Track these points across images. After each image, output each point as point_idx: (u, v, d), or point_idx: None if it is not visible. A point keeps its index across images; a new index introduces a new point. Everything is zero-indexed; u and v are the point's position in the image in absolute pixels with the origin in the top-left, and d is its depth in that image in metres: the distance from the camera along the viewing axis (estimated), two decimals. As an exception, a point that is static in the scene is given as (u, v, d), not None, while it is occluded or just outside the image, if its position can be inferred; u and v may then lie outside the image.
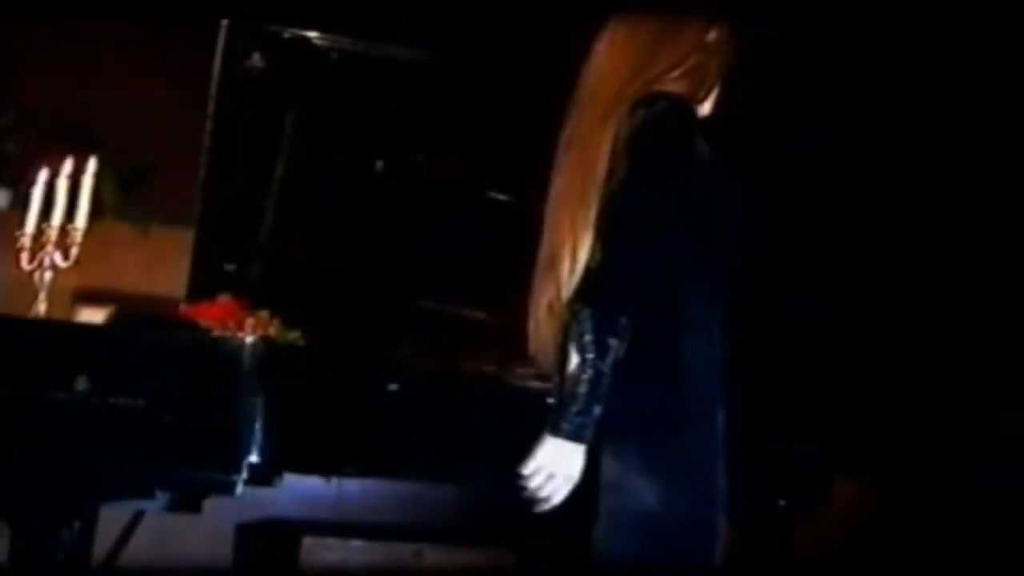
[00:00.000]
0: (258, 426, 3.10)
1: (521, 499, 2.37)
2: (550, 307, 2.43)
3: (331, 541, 4.84)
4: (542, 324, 2.45)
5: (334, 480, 4.76)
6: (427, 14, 4.67)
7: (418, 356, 3.96)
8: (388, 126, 3.93)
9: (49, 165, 3.27)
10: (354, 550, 4.86)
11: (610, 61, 2.48)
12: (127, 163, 5.29)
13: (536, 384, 3.96)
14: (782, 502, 4.01)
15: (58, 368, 2.91)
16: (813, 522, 4.74)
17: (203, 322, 3.18)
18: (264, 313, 3.24)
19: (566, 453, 2.32)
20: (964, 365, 4.70)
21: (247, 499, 3.27)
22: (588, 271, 2.33)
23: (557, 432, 2.32)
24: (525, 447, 3.49)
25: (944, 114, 4.75)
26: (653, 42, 2.47)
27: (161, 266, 5.10)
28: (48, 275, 3.23)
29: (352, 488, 4.94)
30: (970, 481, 4.69)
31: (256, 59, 3.69)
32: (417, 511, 5.13)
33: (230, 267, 3.52)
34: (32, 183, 3.26)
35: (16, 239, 3.23)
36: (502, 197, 4.12)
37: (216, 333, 3.16)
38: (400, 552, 4.91)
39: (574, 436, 2.31)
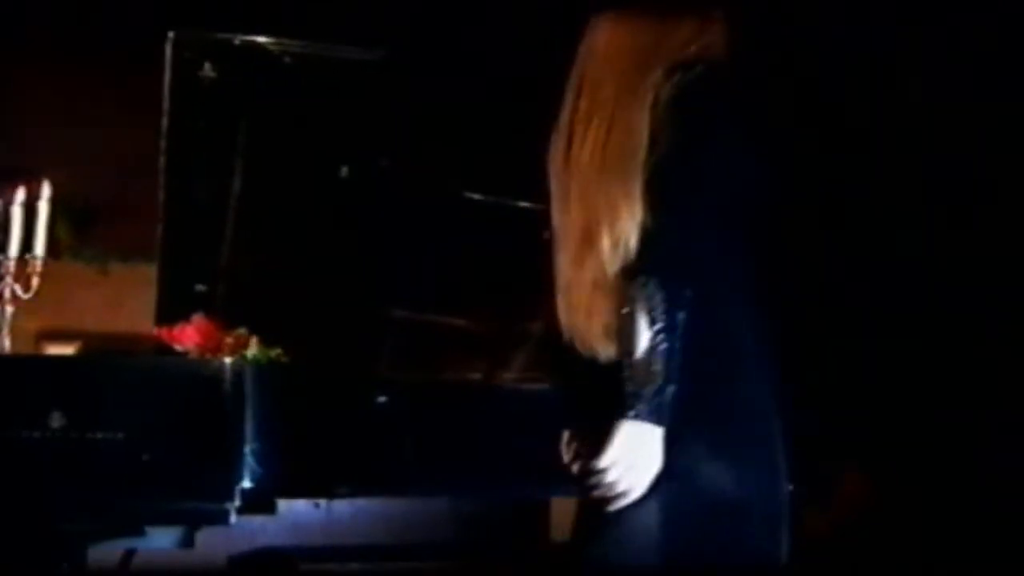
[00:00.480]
0: (248, 450, 2.94)
1: (595, 499, 2.17)
2: (596, 284, 2.23)
3: (330, 566, 4.67)
4: (585, 304, 2.27)
5: (323, 503, 4.62)
6: (377, 11, 4.51)
7: (397, 367, 3.81)
8: (349, 130, 3.77)
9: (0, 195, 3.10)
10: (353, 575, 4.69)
11: (621, 37, 2.35)
12: (79, 203, 5.16)
13: (531, 386, 3.86)
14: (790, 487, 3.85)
15: (29, 405, 2.75)
16: (823, 508, 4.66)
17: (179, 345, 3.00)
18: (242, 331, 3.07)
19: (646, 438, 2.14)
20: (972, 351, 4.62)
21: (235, 530, 3.09)
22: (644, 242, 2.17)
23: (636, 415, 2.13)
24: (527, 450, 3.39)
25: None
26: (664, 15, 2.35)
27: (123, 303, 5.04)
28: (9, 309, 3.05)
29: (342, 509, 4.77)
30: (976, 468, 4.61)
31: (207, 69, 3.53)
32: (409, 529, 4.99)
33: (201, 287, 3.33)
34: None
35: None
36: (476, 196, 3.96)
37: (194, 356, 2.98)
38: (400, 572, 4.75)
39: (654, 418, 2.13)
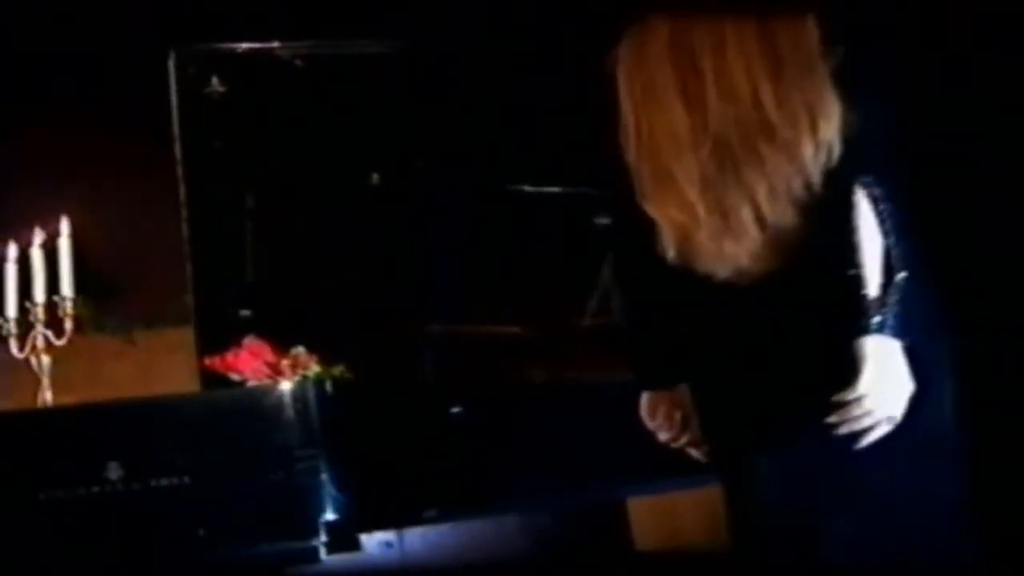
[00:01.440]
0: (325, 478, 2.64)
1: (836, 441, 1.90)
2: (789, 191, 1.99)
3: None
4: (775, 212, 2.00)
5: (395, 542, 4.34)
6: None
7: (453, 378, 3.53)
8: (375, 132, 3.49)
9: (16, 240, 2.82)
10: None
11: None
12: (96, 277, 4.94)
13: (609, 378, 3.57)
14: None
15: (82, 458, 2.46)
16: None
17: (235, 374, 2.71)
18: (300, 350, 2.77)
19: (894, 355, 1.92)
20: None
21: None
22: (850, 144, 1.96)
23: (880, 328, 1.90)
24: (608, 447, 3.10)
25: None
26: None
27: (153, 370, 4.90)
28: (46, 359, 2.77)
29: (414, 544, 4.48)
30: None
31: (215, 83, 3.25)
32: (487, 553, 4.68)
33: (245, 313, 3.04)
34: (2, 261, 2.81)
35: (-1, 326, 2.79)
36: (522, 188, 3.67)
37: (252, 383, 2.69)
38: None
39: (899, 330, 1.91)
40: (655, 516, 5.13)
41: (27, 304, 2.86)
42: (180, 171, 3.28)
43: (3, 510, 2.42)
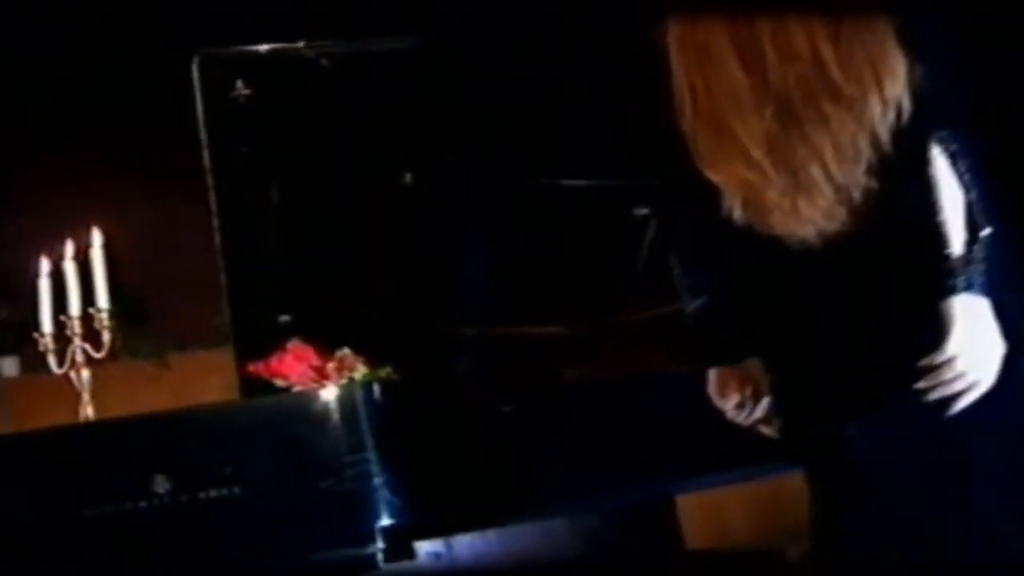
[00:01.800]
0: (378, 482, 2.53)
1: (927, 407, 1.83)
2: (857, 150, 1.91)
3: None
4: (844, 171, 1.92)
5: (443, 552, 4.24)
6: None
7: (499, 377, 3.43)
8: (405, 130, 3.39)
9: (48, 255, 2.74)
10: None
11: None
12: (127, 301, 4.90)
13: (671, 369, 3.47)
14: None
15: (127, 472, 2.37)
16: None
17: (280, 379, 2.61)
18: (345, 351, 2.68)
19: (983, 314, 1.84)
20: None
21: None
22: (919, 99, 1.89)
23: (969, 288, 1.83)
24: (664, 440, 3.00)
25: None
26: None
27: (189, 392, 4.81)
28: (86, 373, 2.69)
29: (462, 554, 4.37)
30: None
31: (240, 87, 3.16)
32: (537, 559, 4.57)
33: (285, 318, 2.94)
34: (35, 276, 2.73)
35: (36, 343, 2.70)
36: (562, 181, 3.57)
37: (298, 388, 2.59)
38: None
39: (986, 288, 1.84)
40: (704, 515, 5.05)
41: (62, 318, 2.78)
42: (210, 179, 3.19)
43: (49, 528, 2.34)
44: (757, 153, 1.94)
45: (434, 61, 3.43)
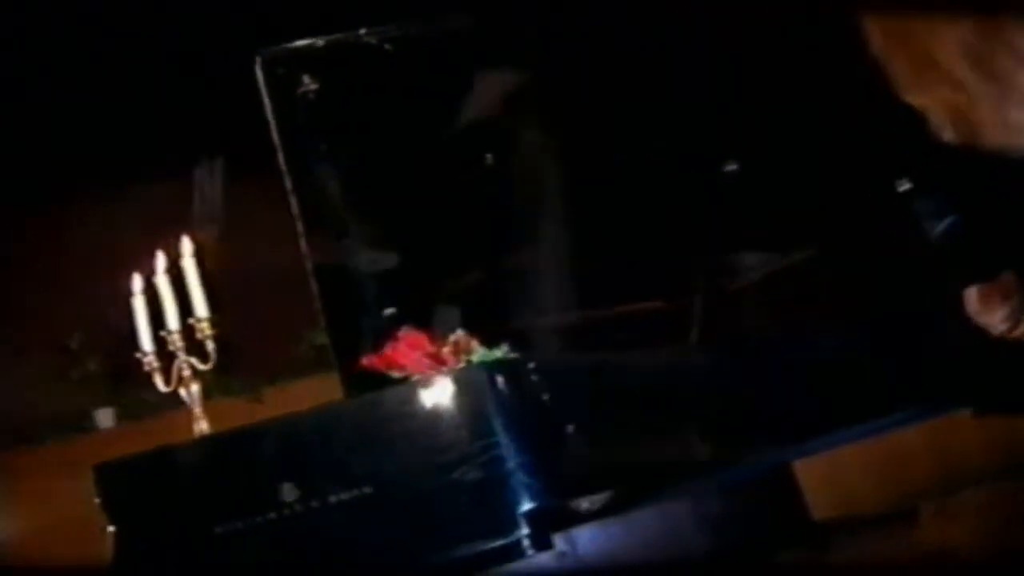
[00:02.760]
0: (512, 465, 2.37)
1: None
2: None
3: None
4: None
5: (568, 550, 4.06)
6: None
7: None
8: (480, 110, 3.25)
9: (139, 270, 2.62)
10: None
11: None
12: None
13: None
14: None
15: (252, 484, 2.22)
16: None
17: (395, 370, 2.46)
18: (460, 333, 2.53)
19: None
20: None
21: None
22: None
23: None
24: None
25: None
26: None
27: None
28: (195, 387, 2.55)
29: (587, 548, 4.18)
30: None
31: (307, 83, 3.02)
32: (669, 548, 4.38)
33: (390, 311, 2.79)
34: (129, 294, 2.61)
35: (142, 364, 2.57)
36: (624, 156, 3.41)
37: (415, 377, 2.44)
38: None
39: None
40: (827, 485, 4.85)
41: (162, 333, 2.64)
42: (288, 183, 3.05)
43: (182, 549, 2.19)
44: (959, 70, 1.91)
45: (501, 38, 3.29)
